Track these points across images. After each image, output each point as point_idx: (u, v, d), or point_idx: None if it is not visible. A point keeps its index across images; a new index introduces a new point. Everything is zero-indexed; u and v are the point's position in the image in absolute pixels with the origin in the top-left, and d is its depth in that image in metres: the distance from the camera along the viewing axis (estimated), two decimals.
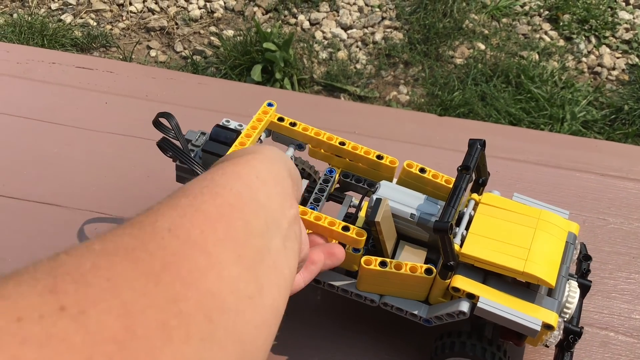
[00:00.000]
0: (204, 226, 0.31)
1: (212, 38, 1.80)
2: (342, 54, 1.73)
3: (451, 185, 0.57)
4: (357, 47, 1.76)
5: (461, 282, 0.51)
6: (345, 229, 0.53)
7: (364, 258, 0.52)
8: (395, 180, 0.60)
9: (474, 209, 0.55)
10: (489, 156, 0.77)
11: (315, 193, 0.58)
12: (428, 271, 0.52)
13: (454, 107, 1.50)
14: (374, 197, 0.55)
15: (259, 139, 0.59)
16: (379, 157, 0.59)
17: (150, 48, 1.81)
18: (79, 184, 0.71)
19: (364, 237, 0.52)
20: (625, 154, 0.78)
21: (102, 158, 0.74)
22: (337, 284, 0.55)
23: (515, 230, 0.53)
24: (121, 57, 1.77)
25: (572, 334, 0.53)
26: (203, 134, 0.60)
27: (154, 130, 0.58)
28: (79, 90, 0.81)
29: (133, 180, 0.72)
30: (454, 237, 0.52)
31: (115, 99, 0.80)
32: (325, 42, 1.77)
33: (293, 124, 0.60)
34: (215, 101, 0.81)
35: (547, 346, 0.52)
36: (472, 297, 0.51)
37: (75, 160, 0.73)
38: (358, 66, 1.70)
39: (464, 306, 0.51)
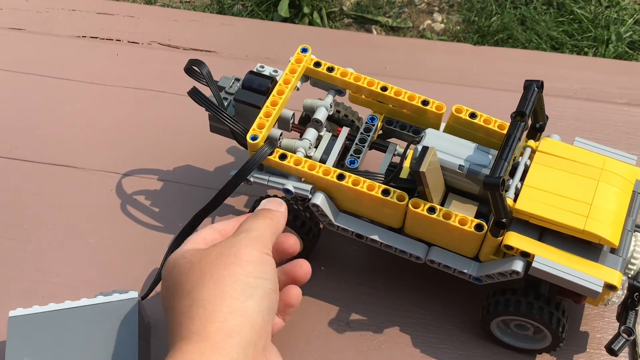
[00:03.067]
0: None
1: None
2: None
3: (505, 131, 0.52)
4: None
5: (515, 239, 0.47)
6: (385, 192, 0.49)
7: (412, 200, 0.49)
8: (442, 126, 0.55)
9: (530, 157, 0.51)
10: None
11: (356, 144, 0.54)
12: (478, 227, 0.48)
13: (492, 33, 1.40)
14: (419, 146, 0.51)
15: (296, 87, 0.55)
16: (425, 102, 0.54)
17: None
18: (93, 143, 0.68)
19: (406, 201, 0.49)
20: None
21: (115, 114, 0.70)
22: (380, 239, 0.52)
23: (576, 183, 0.48)
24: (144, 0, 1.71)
25: (637, 291, 0.49)
26: (237, 80, 0.57)
27: (169, 82, 0.55)
28: (92, 42, 0.77)
29: (148, 137, 0.68)
30: (506, 191, 0.48)
31: (130, 50, 0.76)
32: None
33: (330, 69, 0.55)
34: (241, 43, 0.76)
35: (606, 305, 0.48)
36: (526, 256, 0.47)
37: (87, 117, 0.70)
38: None
39: (518, 265, 0.47)
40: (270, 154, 0.52)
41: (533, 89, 0.48)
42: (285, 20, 1.49)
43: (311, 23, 1.52)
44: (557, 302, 0.50)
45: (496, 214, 0.46)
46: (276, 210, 0.49)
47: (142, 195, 0.64)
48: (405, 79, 0.71)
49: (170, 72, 0.71)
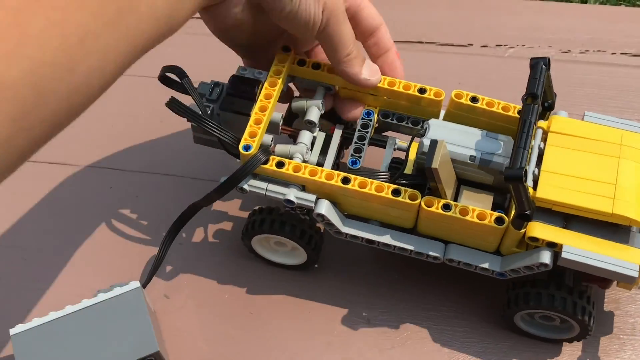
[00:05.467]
0: None
1: None
2: None
3: (510, 114, 0.49)
4: None
5: (540, 230, 0.44)
6: (396, 192, 0.46)
7: (425, 199, 0.46)
8: (442, 113, 0.52)
9: (543, 139, 0.48)
10: (534, 42, 0.69)
11: (355, 142, 0.50)
12: (499, 220, 0.45)
13: None
14: (425, 140, 0.47)
15: (282, 89, 0.51)
16: (421, 90, 0.51)
17: None
18: (85, 136, 0.63)
19: (418, 200, 0.45)
20: None
21: (107, 103, 0.65)
22: (393, 242, 0.49)
23: (596, 162, 0.45)
24: None
25: None
26: (217, 85, 0.52)
27: (160, 67, 0.51)
28: None
29: (144, 127, 0.64)
30: (526, 179, 0.45)
31: None
32: None
33: (316, 66, 0.51)
34: None
35: None
36: (553, 246, 0.45)
37: None
38: None
39: (545, 257, 0.45)
40: (265, 162, 0.48)
41: (540, 67, 0.45)
42: None
43: None
44: (582, 290, 0.47)
45: (519, 206, 0.43)
46: None
47: (139, 190, 0.60)
48: (403, 42, 0.69)
49: (162, 55, 0.67)
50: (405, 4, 0.74)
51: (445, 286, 0.54)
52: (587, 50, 0.68)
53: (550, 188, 0.44)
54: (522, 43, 0.69)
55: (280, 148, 0.50)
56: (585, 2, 1.27)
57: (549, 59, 0.45)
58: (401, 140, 0.53)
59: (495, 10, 0.73)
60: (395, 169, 0.51)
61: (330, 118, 0.55)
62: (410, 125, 0.52)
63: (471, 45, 0.70)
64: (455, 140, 0.47)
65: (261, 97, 0.49)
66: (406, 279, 0.54)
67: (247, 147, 0.47)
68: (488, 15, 0.72)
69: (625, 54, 0.68)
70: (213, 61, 0.68)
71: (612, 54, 0.67)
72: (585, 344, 0.50)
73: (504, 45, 0.69)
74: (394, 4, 0.73)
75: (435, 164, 0.44)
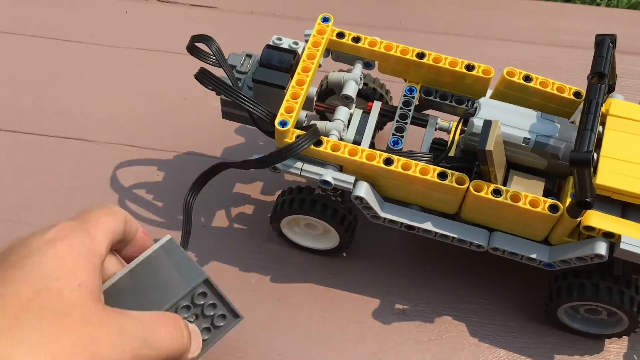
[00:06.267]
0: None
1: None
2: None
3: (565, 95, 0.46)
4: None
5: (597, 219, 0.42)
6: (442, 176, 0.43)
7: (473, 183, 0.43)
8: (489, 93, 0.49)
9: (602, 124, 0.44)
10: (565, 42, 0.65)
11: (397, 121, 0.47)
12: (553, 208, 0.42)
13: None
14: (476, 120, 0.44)
15: (319, 63, 0.47)
16: (469, 67, 0.47)
17: None
18: (105, 113, 0.60)
19: (466, 184, 0.42)
20: None
21: (128, 80, 0.62)
22: (434, 228, 0.46)
23: None
24: None
25: None
26: (249, 56, 0.49)
27: (182, 42, 0.47)
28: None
29: (168, 105, 0.61)
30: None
31: (138, 6, 0.68)
32: None
33: (356, 39, 0.48)
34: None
35: None
36: (610, 236, 0.42)
37: (98, 84, 0.62)
38: None
39: (601, 248, 0.42)
40: (318, 143, 0.44)
41: (607, 44, 0.42)
42: None
43: None
44: (630, 279, 0.45)
45: (581, 192, 0.39)
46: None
47: (161, 168, 0.57)
48: (422, 32, 0.66)
49: (180, 30, 0.64)
50: (421, 1, 0.71)
51: (485, 278, 0.51)
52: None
53: (610, 174, 0.41)
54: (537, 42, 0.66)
55: (316, 125, 0.47)
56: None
57: (615, 36, 0.42)
58: (443, 120, 0.50)
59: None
60: (438, 150, 0.48)
61: (367, 96, 0.52)
62: (454, 103, 0.49)
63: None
64: (508, 121, 0.44)
65: (298, 69, 0.46)
66: (442, 270, 0.52)
67: (283, 123, 0.44)
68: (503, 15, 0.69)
69: None
70: (241, 37, 0.65)
71: None
72: (633, 340, 0.48)
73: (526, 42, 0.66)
74: (408, 1, 0.70)
75: (490, 146, 0.40)
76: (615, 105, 0.45)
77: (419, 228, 0.46)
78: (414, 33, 0.66)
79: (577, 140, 0.39)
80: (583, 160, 0.38)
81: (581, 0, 0.88)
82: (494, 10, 0.68)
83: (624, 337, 0.48)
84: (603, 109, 0.45)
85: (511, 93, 0.47)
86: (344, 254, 0.52)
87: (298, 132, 0.45)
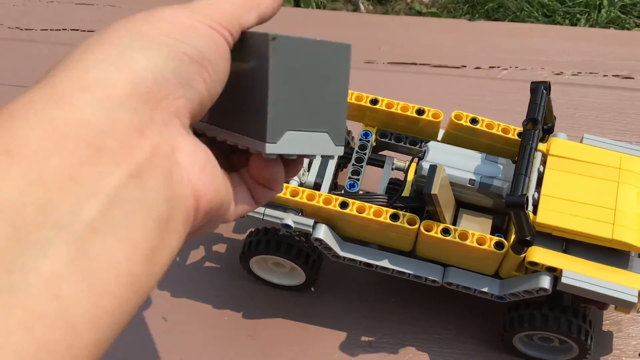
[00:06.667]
0: None
1: None
2: None
3: (510, 135, 0.49)
4: None
5: (539, 254, 0.44)
6: (394, 217, 0.45)
7: (424, 223, 0.45)
8: (441, 133, 0.52)
9: (543, 162, 0.47)
10: (527, 64, 0.69)
11: (353, 164, 0.50)
12: (499, 245, 0.45)
13: (482, 2, 1.37)
14: (424, 163, 0.47)
15: None
16: (420, 111, 0.50)
17: None
18: None
19: (417, 225, 0.45)
20: None
21: None
22: (391, 265, 0.49)
23: (596, 187, 0.45)
24: None
25: None
26: None
27: None
28: (77, 34, 0.71)
29: None
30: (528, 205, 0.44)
31: None
32: None
33: None
34: None
35: (638, 312, 0.46)
36: (552, 270, 0.44)
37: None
38: None
39: (545, 282, 0.44)
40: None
41: (541, 91, 0.45)
42: None
43: (297, 4, 1.46)
44: (577, 309, 0.47)
45: (520, 232, 0.42)
46: None
47: None
48: (398, 63, 0.69)
49: None
50: (400, 27, 0.74)
51: (446, 309, 0.54)
52: (580, 72, 0.68)
53: (550, 213, 0.44)
54: (515, 65, 0.69)
55: None
56: (575, 25, 1.27)
57: (549, 83, 0.45)
58: (399, 160, 0.52)
59: (487, 34, 0.72)
60: (393, 190, 0.51)
61: None
62: (408, 145, 0.52)
63: (465, 67, 0.69)
64: (455, 164, 0.47)
65: None
66: (407, 302, 0.54)
67: None
68: (480, 38, 0.72)
69: (617, 76, 0.68)
70: None
71: (604, 76, 0.67)
72: None
73: (497, 67, 0.69)
74: (388, 27, 0.73)
75: (434, 190, 0.43)
76: (556, 144, 0.47)
77: (376, 265, 0.49)
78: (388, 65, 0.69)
79: (512, 184, 0.42)
80: (517, 204, 0.40)
81: (563, 18, 0.91)
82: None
83: None
84: (544, 149, 0.48)
85: (460, 135, 0.50)
86: (312, 289, 0.55)
87: None
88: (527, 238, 0.42)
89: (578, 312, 0.47)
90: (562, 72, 0.68)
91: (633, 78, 0.67)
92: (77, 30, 0.72)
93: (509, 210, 0.41)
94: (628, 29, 1.30)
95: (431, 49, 0.70)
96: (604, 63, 0.68)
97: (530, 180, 0.45)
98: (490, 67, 0.69)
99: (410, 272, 0.48)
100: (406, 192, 0.50)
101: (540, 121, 0.43)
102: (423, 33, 0.72)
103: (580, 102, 0.65)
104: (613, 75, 0.67)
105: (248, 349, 0.52)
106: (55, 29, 0.72)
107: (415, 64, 0.69)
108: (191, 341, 0.52)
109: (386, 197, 0.48)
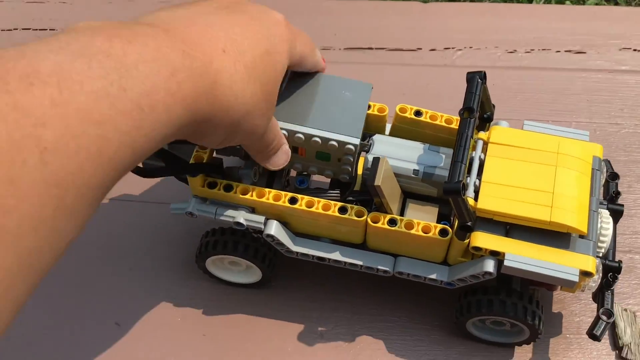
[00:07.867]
0: None
1: None
2: None
3: (452, 126, 0.50)
4: None
5: (482, 239, 0.46)
6: (342, 210, 0.47)
7: (370, 215, 0.47)
8: (388, 127, 0.53)
9: (484, 150, 0.49)
10: (482, 44, 0.70)
11: None
12: (443, 232, 0.46)
13: None
14: (369, 156, 0.48)
15: None
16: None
17: None
18: None
19: (365, 217, 0.46)
20: (627, 17, 0.71)
21: None
22: (343, 258, 0.50)
23: (535, 172, 0.46)
24: None
25: (610, 271, 0.48)
26: None
27: None
28: (30, 33, 0.71)
29: None
30: (466, 191, 0.46)
31: None
32: None
33: None
34: None
35: (583, 291, 0.47)
36: (496, 254, 0.46)
37: None
38: None
39: (489, 266, 0.46)
40: (228, 189, 0.48)
41: (476, 81, 0.46)
42: None
43: None
44: (530, 294, 0.49)
45: (460, 218, 0.44)
46: None
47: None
48: (354, 48, 0.70)
49: None
50: (354, 11, 0.75)
51: (399, 297, 0.55)
52: (533, 50, 0.70)
53: (490, 199, 0.45)
54: (469, 45, 0.71)
55: (228, 170, 0.51)
56: (531, 2, 1.29)
57: (484, 72, 0.46)
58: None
59: (441, 15, 0.74)
60: (347, 184, 0.52)
61: None
62: None
63: (420, 49, 0.71)
64: (399, 155, 0.48)
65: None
66: (361, 292, 0.55)
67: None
68: (434, 20, 0.73)
69: (570, 51, 0.69)
70: None
71: (557, 51, 0.69)
72: (535, 346, 0.52)
73: (452, 48, 0.71)
74: (343, 13, 0.74)
75: (377, 182, 0.44)
76: (496, 132, 0.49)
77: (329, 259, 0.50)
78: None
79: (450, 171, 0.43)
80: (454, 190, 0.42)
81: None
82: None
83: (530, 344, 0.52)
84: (485, 137, 0.49)
85: (406, 127, 0.51)
86: (271, 285, 0.56)
87: (210, 179, 0.48)
88: (468, 223, 0.44)
89: (524, 294, 0.48)
90: (515, 50, 0.69)
91: (585, 52, 0.69)
92: (29, 29, 0.72)
93: (447, 197, 0.42)
94: (582, 3, 1.31)
95: (387, 33, 0.72)
96: (558, 39, 0.70)
97: (468, 167, 0.47)
98: (445, 48, 0.70)
99: (362, 264, 0.49)
100: (358, 186, 0.51)
101: (475, 110, 0.45)
102: (378, 17, 0.74)
103: (522, 86, 0.67)
104: (565, 51, 0.69)
105: (203, 348, 0.53)
106: (6, 29, 0.72)
107: (371, 48, 0.71)
108: (145, 345, 0.53)
109: (338, 192, 0.49)
